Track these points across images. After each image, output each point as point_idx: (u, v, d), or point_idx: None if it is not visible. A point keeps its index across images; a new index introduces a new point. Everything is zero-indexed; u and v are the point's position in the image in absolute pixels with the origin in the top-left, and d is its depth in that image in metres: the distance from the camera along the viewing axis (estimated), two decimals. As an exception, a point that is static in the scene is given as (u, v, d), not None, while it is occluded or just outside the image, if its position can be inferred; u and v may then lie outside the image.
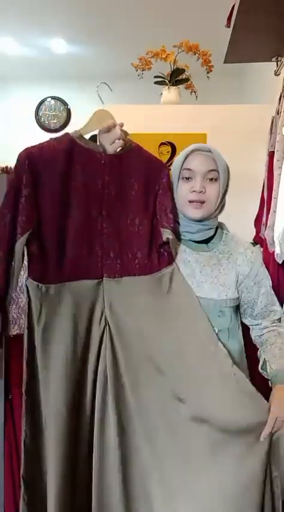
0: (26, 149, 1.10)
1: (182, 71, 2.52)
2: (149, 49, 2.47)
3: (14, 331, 1.42)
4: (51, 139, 1.13)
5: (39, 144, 1.13)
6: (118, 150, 1.16)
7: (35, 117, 4.52)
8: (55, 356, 1.10)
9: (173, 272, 1.17)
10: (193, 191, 1.18)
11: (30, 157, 1.07)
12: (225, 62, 1.88)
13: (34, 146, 1.11)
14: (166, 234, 1.16)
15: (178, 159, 1.23)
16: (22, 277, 1.44)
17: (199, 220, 1.21)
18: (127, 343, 1.13)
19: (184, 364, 1.11)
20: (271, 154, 1.63)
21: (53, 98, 4.51)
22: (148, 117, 2.44)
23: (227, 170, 1.22)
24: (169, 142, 2.41)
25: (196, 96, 2.60)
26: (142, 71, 2.49)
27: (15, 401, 1.38)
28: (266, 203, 1.74)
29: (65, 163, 1.10)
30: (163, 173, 1.20)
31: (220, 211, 1.25)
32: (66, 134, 1.14)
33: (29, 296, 1.10)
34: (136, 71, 2.50)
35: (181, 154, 1.22)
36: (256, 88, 3.36)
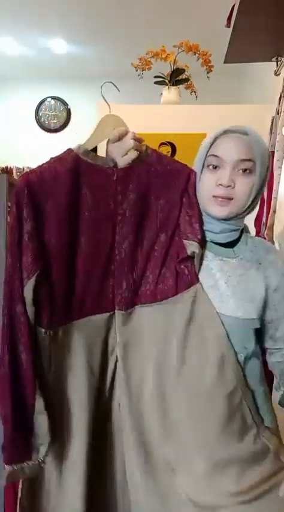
0: (23, 176, 0.94)
1: (182, 71, 2.52)
2: (149, 49, 2.47)
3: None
4: (51, 159, 0.96)
5: (39, 167, 0.96)
6: (132, 161, 0.99)
7: (35, 117, 4.52)
8: (70, 402, 0.98)
9: (196, 295, 0.97)
10: (220, 184, 0.97)
11: (29, 186, 0.92)
12: (225, 62, 1.88)
13: (33, 171, 0.95)
14: (192, 248, 0.97)
15: (205, 142, 1.01)
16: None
17: (224, 219, 1.00)
18: (137, 391, 0.99)
19: (198, 429, 0.94)
20: (271, 154, 1.64)
21: (53, 98, 4.51)
22: (148, 117, 2.44)
23: (266, 160, 0.99)
24: (169, 142, 2.41)
25: (196, 96, 2.60)
26: (142, 71, 2.49)
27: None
28: (266, 203, 1.74)
29: (71, 188, 0.95)
30: (188, 178, 1.02)
31: (250, 211, 1.04)
32: (69, 151, 0.97)
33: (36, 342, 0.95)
34: (136, 71, 2.50)
35: (210, 136, 1.00)
36: (256, 88, 3.36)
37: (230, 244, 1.03)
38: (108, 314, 0.99)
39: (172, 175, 1.02)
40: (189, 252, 0.98)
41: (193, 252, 0.97)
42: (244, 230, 1.07)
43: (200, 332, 0.96)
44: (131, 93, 3.52)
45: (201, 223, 1.01)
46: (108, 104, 1.09)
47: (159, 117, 2.46)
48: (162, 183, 1.01)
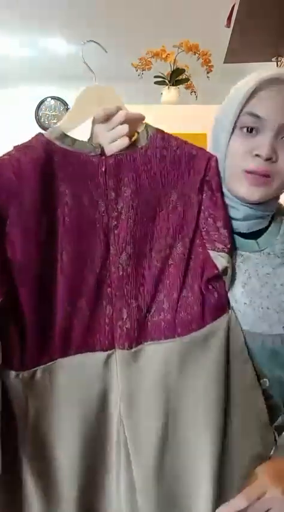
0: None
1: (182, 71, 2.52)
2: (149, 49, 2.47)
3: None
4: (14, 148, 0.73)
5: (5, 158, 0.72)
6: (127, 148, 0.73)
7: (35, 117, 4.52)
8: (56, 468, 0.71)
9: (230, 326, 0.73)
10: (257, 155, 0.71)
11: None
12: (225, 62, 1.88)
13: None
14: (222, 261, 0.73)
15: (238, 92, 0.73)
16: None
17: (259, 202, 0.75)
18: (147, 459, 0.70)
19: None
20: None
21: (53, 98, 4.50)
22: (148, 117, 2.43)
23: None
24: (169, 143, 2.41)
25: (196, 96, 2.60)
26: (142, 71, 2.49)
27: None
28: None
29: (41, 186, 0.70)
30: (208, 166, 0.76)
31: None
32: (39, 135, 0.74)
33: (2, 391, 0.68)
34: (136, 71, 2.50)
35: (247, 84, 0.71)
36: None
37: (255, 235, 0.78)
38: (104, 353, 0.72)
39: (185, 162, 0.76)
40: (219, 267, 0.73)
41: (226, 268, 0.73)
42: (275, 215, 0.81)
43: (235, 378, 0.72)
44: (131, 93, 3.53)
45: (229, 226, 0.76)
46: (92, 72, 0.88)
47: (159, 117, 2.45)
48: (170, 173, 0.76)
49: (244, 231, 0.78)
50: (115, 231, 0.73)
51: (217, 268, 0.73)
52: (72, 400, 0.71)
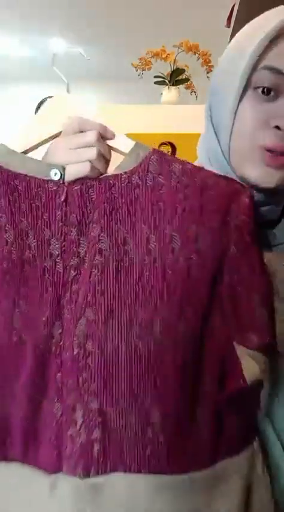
0: None
1: (182, 71, 2.52)
2: (149, 49, 2.47)
3: None
4: None
5: None
6: (107, 171, 0.54)
7: (35, 117, 4.53)
8: None
9: (255, 468, 0.50)
10: (277, 127, 0.53)
11: None
12: (225, 62, 1.88)
13: None
14: (254, 369, 0.48)
15: (250, 39, 0.54)
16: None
17: (276, 188, 0.56)
18: None
19: None
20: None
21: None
22: (148, 117, 2.44)
23: None
24: (169, 142, 2.41)
25: (196, 96, 2.60)
26: (142, 71, 2.49)
27: None
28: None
29: None
30: (237, 203, 0.51)
31: None
32: None
33: None
34: (136, 71, 2.50)
35: (262, 28, 0.53)
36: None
37: (269, 225, 0.61)
38: (48, 478, 0.47)
39: (195, 194, 0.51)
40: (247, 377, 0.47)
41: (256, 381, 0.48)
42: None
43: None
44: (131, 93, 3.54)
45: (270, 302, 0.51)
46: (64, 80, 0.71)
47: (159, 117, 2.46)
48: (168, 209, 0.51)
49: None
50: (73, 287, 0.50)
51: (243, 379, 0.46)
52: None
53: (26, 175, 0.52)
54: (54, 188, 0.52)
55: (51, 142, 0.56)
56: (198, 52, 2.43)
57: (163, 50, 2.45)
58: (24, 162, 0.53)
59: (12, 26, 3.43)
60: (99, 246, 0.50)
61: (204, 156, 0.62)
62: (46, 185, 0.52)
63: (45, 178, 0.52)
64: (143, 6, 3.00)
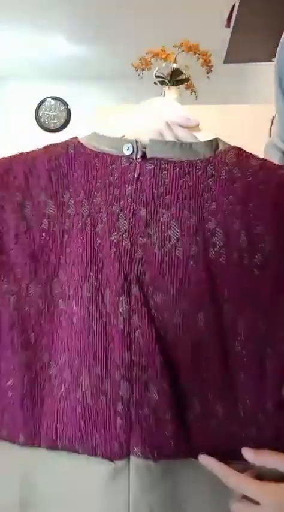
0: None
1: (182, 71, 2.52)
2: (149, 49, 2.47)
3: None
4: (44, 147, 0.62)
5: (18, 154, 0.58)
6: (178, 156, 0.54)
7: (35, 117, 4.52)
8: None
9: None
10: None
11: None
12: (225, 62, 1.88)
13: (4, 159, 0.58)
14: None
15: None
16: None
17: None
18: None
19: None
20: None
21: (53, 98, 4.50)
22: (148, 117, 2.44)
23: None
24: (169, 142, 2.41)
25: (196, 96, 2.60)
26: (142, 71, 2.49)
27: None
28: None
29: (47, 190, 0.54)
30: None
31: None
32: (71, 138, 0.61)
33: None
34: (136, 71, 2.50)
35: None
36: (256, 88, 3.36)
37: None
38: (112, 464, 0.47)
39: (273, 191, 0.51)
40: None
41: None
42: None
43: None
44: (131, 93, 3.53)
45: None
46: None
47: (159, 117, 2.46)
48: (242, 202, 0.51)
49: None
50: (140, 267, 0.50)
51: None
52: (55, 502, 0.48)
53: (104, 153, 0.55)
54: (126, 164, 0.53)
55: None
56: (198, 52, 2.43)
57: (163, 50, 2.45)
58: (104, 140, 0.55)
59: (12, 26, 3.43)
60: (169, 233, 0.50)
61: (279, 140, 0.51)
62: (120, 161, 0.53)
63: (119, 154, 0.54)
64: (143, 7, 3.00)
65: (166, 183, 0.52)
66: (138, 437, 0.46)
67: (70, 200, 0.54)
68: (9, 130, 4.42)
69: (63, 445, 0.48)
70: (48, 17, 3.24)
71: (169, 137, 0.55)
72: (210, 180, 0.52)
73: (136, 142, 0.53)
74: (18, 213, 0.53)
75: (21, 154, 0.57)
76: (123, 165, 0.53)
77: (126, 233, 0.51)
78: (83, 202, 0.53)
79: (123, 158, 0.54)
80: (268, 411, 0.47)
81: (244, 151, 0.55)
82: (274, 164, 0.54)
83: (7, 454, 0.49)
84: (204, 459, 0.47)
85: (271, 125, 1.83)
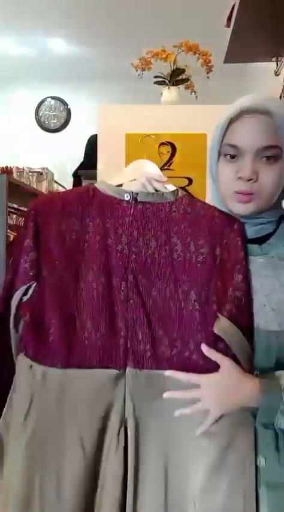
0: (38, 197, 0.95)
1: (182, 71, 2.52)
2: (149, 49, 2.47)
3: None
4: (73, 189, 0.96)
5: (57, 193, 0.93)
6: (155, 199, 0.88)
7: (35, 117, 4.52)
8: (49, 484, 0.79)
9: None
10: (240, 178, 0.81)
11: (37, 207, 0.89)
12: (225, 62, 1.88)
13: (49, 195, 0.88)
14: (218, 326, 0.79)
15: (217, 127, 0.84)
16: None
17: (252, 215, 0.85)
18: (149, 475, 0.79)
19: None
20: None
21: (53, 98, 4.51)
22: (148, 117, 2.44)
23: None
24: (169, 142, 2.41)
25: (196, 96, 2.60)
26: (142, 71, 2.49)
27: None
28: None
29: (76, 216, 0.87)
30: (227, 232, 0.84)
31: (282, 199, 0.87)
32: (90, 184, 0.93)
33: (15, 378, 0.84)
34: (136, 71, 2.50)
35: (223, 119, 0.83)
36: (256, 88, 3.36)
37: (259, 240, 0.86)
38: (116, 371, 0.81)
39: (206, 220, 0.86)
40: (214, 330, 0.78)
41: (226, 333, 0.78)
42: (283, 221, 0.88)
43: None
44: (131, 93, 3.54)
45: (245, 292, 0.81)
46: None
47: (159, 117, 2.46)
48: (191, 226, 0.86)
49: (251, 237, 0.86)
50: (134, 264, 0.85)
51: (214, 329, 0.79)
52: (79, 409, 0.80)
53: (112, 196, 0.89)
54: (125, 204, 0.88)
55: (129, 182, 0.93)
56: (198, 52, 2.43)
57: (163, 50, 2.45)
58: (111, 188, 0.90)
59: (12, 26, 3.43)
60: (150, 244, 0.86)
61: (211, 198, 0.92)
62: (122, 202, 0.88)
63: (121, 198, 0.88)
64: (143, 6, 3.00)
65: (149, 216, 0.87)
66: (130, 357, 0.81)
67: (89, 222, 0.87)
68: (9, 130, 4.42)
69: (87, 365, 0.81)
70: (48, 17, 3.24)
71: (149, 188, 0.89)
72: (173, 213, 0.88)
73: (132, 192, 0.87)
74: (58, 228, 0.87)
75: (59, 192, 0.93)
76: (124, 205, 0.88)
77: (126, 245, 0.86)
78: (99, 225, 0.87)
79: (123, 201, 0.88)
80: (198, 342, 0.79)
81: (193, 197, 0.92)
82: (208, 204, 0.89)
83: (50, 373, 0.81)
84: (171, 372, 0.79)
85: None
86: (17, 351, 0.86)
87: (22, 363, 0.83)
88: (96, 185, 0.91)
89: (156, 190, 0.89)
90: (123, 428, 0.80)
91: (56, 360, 0.81)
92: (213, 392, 0.77)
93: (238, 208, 0.84)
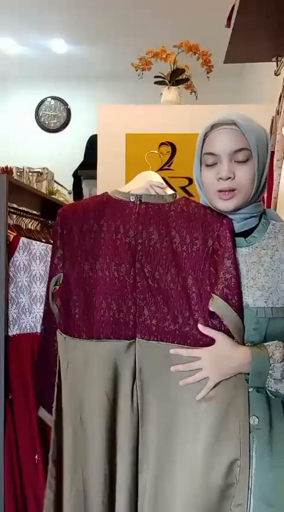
0: (64, 206, 1.21)
1: (182, 71, 2.52)
2: (149, 49, 2.47)
3: (13, 331, 1.42)
4: (91, 197, 1.18)
5: (79, 201, 1.17)
6: (154, 199, 1.07)
7: (35, 117, 4.52)
8: (85, 421, 1.05)
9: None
10: (220, 178, 0.98)
11: (62, 213, 1.12)
12: (225, 62, 1.88)
13: (72, 203, 1.13)
14: (212, 304, 0.95)
15: (197, 141, 1.03)
16: (22, 276, 1.44)
17: (235, 210, 1.00)
18: (154, 424, 1.01)
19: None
20: (271, 155, 1.64)
21: (53, 98, 4.51)
22: (148, 117, 2.44)
23: (263, 143, 1.00)
24: (169, 143, 2.41)
25: (196, 96, 2.60)
26: (142, 71, 2.49)
27: (16, 400, 1.38)
28: (266, 203, 1.74)
29: (94, 219, 1.07)
30: (218, 226, 1.00)
31: (261, 194, 1.04)
32: (104, 192, 1.12)
33: (58, 349, 1.09)
34: (136, 70, 2.50)
35: (200, 135, 1.02)
36: (256, 88, 3.36)
37: (245, 233, 1.02)
38: (128, 342, 1.01)
39: (200, 217, 1.02)
40: (210, 308, 0.95)
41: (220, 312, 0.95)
42: (265, 216, 1.05)
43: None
44: (131, 93, 3.54)
45: (235, 276, 0.97)
46: None
47: (159, 117, 2.46)
48: (187, 222, 1.02)
49: (238, 231, 1.01)
50: (140, 254, 1.02)
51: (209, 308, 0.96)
52: (100, 372, 1.02)
53: (121, 199, 1.07)
54: (132, 205, 1.06)
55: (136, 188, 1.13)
56: (198, 52, 2.44)
57: (163, 50, 2.45)
58: (121, 194, 1.08)
59: (12, 26, 3.43)
60: (152, 236, 1.02)
61: (201, 202, 1.07)
62: (129, 203, 1.06)
63: (128, 200, 1.06)
64: (143, 6, 3.00)
65: (151, 214, 1.04)
66: (139, 329, 1.00)
67: (104, 223, 1.06)
68: (9, 130, 4.41)
69: (104, 337, 1.01)
70: (48, 17, 3.24)
71: (152, 192, 1.08)
72: (172, 211, 1.03)
73: (137, 195, 1.06)
74: (80, 230, 1.07)
75: (80, 200, 1.04)
76: (130, 205, 1.06)
77: (133, 237, 1.03)
78: (111, 224, 1.05)
79: (130, 202, 1.06)
80: (196, 318, 0.97)
81: (189, 198, 1.06)
82: (201, 204, 1.05)
83: (77, 343, 1.04)
84: (174, 350, 0.97)
85: (271, 125, 1.83)
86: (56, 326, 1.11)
87: (59, 336, 1.08)
88: (109, 192, 1.10)
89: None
90: (134, 387, 1.01)
91: (82, 333, 1.04)
92: (211, 362, 0.94)
93: (222, 205, 0.99)
